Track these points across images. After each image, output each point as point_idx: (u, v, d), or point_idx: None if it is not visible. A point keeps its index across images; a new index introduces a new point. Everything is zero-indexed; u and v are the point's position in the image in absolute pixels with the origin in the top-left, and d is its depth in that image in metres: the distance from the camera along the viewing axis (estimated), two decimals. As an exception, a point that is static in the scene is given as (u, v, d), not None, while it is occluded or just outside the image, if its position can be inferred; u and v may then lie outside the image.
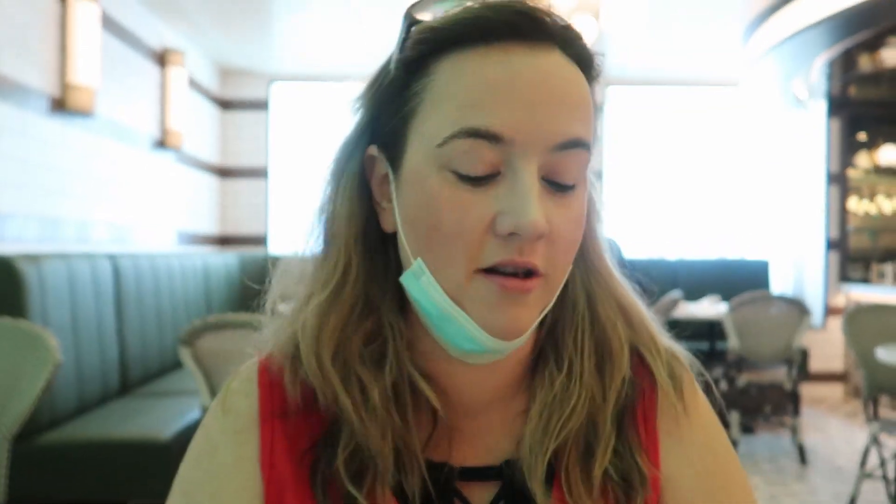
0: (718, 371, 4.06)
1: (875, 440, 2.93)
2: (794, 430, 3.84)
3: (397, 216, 0.52)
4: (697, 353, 0.64)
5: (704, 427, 0.60)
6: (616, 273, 0.61)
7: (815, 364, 5.32)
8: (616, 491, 0.53)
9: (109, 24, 3.62)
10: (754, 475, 3.54)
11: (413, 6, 0.51)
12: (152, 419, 2.57)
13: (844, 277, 5.49)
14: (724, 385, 3.96)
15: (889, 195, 6.22)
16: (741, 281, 5.08)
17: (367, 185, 0.56)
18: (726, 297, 4.61)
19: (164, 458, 2.37)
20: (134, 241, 3.93)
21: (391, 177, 0.53)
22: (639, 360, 0.60)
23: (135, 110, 3.94)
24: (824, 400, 5.37)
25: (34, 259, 2.50)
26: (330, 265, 0.56)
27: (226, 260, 4.58)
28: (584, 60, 0.51)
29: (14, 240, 2.86)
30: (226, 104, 5.50)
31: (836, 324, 5.31)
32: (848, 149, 5.59)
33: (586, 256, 0.59)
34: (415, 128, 0.50)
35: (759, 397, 4.34)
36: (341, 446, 0.51)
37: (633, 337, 0.60)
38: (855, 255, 5.80)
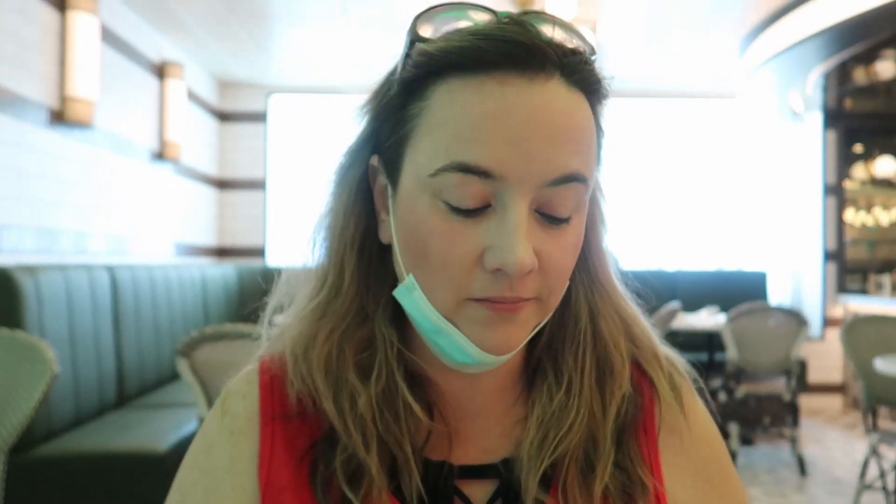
0: (717, 382, 4.05)
1: (874, 451, 2.92)
2: (794, 442, 3.83)
3: (393, 230, 0.52)
4: (696, 364, 0.64)
5: (704, 437, 0.60)
6: (619, 287, 0.60)
7: (814, 375, 5.31)
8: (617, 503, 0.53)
9: (109, 36, 3.63)
10: (754, 487, 3.52)
11: (419, 16, 0.50)
12: (149, 431, 2.56)
13: (842, 288, 5.50)
14: (722, 396, 3.95)
15: (886, 207, 6.24)
16: (739, 292, 5.08)
17: (369, 192, 0.56)
18: (724, 308, 4.62)
19: (161, 470, 2.36)
20: (132, 253, 3.92)
21: (389, 191, 0.53)
22: (640, 373, 0.60)
23: (133, 122, 3.95)
24: (823, 411, 5.36)
25: (31, 270, 2.50)
26: (325, 273, 0.56)
27: (224, 271, 4.58)
28: (589, 85, 0.50)
29: (11, 251, 2.86)
30: (224, 116, 5.52)
31: (834, 335, 5.31)
32: (844, 160, 5.61)
33: (590, 270, 0.58)
34: (410, 152, 0.50)
35: (758, 408, 4.33)
36: (338, 450, 0.52)
37: (636, 353, 0.60)
38: (852, 266, 5.81)
